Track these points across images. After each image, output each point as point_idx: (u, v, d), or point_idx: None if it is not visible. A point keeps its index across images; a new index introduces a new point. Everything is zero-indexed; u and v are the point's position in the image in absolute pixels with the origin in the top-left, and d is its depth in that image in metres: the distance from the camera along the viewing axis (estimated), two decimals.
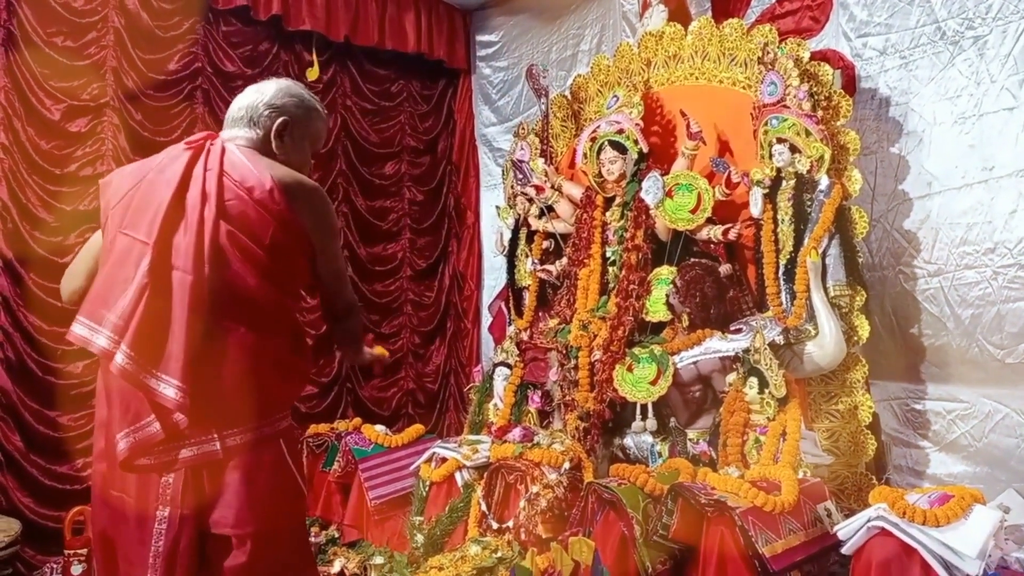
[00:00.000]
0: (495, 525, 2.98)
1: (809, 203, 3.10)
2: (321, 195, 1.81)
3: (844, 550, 2.36)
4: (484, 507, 3.05)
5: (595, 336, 3.42)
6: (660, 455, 3.08)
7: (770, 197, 3.19)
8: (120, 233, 1.69)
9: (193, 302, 1.60)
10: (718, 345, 3.08)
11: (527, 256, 4.12)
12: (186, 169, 1.69)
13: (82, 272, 1.84)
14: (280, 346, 1.76)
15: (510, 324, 4.18)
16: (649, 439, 3.13)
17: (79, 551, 3.32)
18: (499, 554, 2.81)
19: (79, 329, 1.66)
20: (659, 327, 3.40)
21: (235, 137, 1.82)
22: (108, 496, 1.70)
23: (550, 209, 3.99)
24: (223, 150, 1.74)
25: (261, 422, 1.70)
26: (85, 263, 1.85)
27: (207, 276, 1.62)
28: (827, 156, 3.06)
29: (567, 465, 2.94)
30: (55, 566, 3.47)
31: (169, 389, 1.58)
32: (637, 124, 3.63)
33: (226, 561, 1.65)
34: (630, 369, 3.19)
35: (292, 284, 1.80)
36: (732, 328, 3.14)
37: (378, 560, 3.24)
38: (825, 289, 2.99)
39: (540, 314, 4.04)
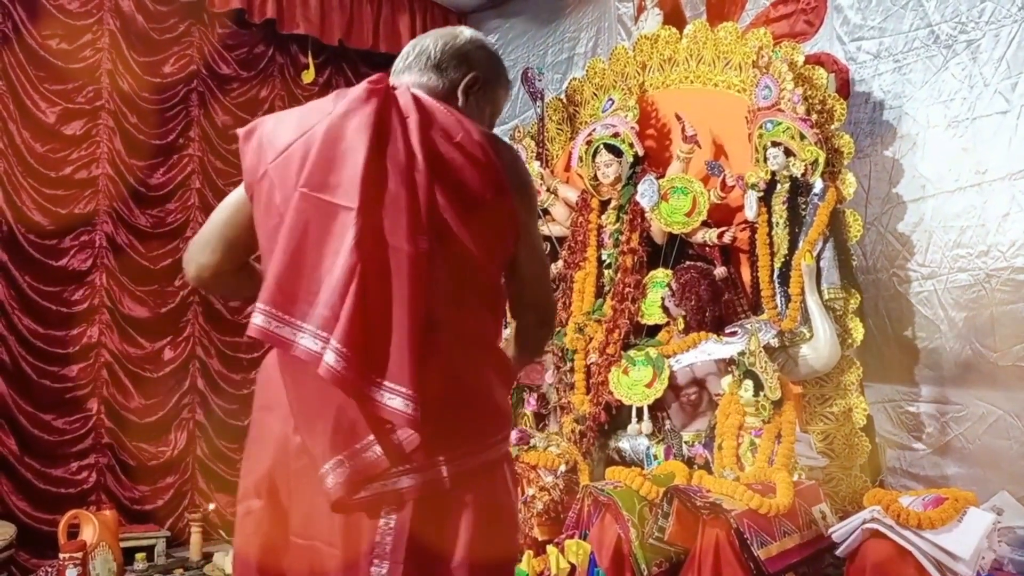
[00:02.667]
0: None
1: (803, 206, 3.11)
2: (524, 162, 1.47)
3: (839, 552, 2.38)
4: None
5: (591, 339, 3.43)
6: (656, 458, 3.08)
7: (765, 200, 3.20)
8: (301, 191, 1.26)
9: (414, 285, 1.22)
10: (713, 348, 3.09)
11: None
12: (377, 116, 1.28)
13: (215, 241, 1.42)
14: (498, 342, 1.43)
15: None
16: (645, 442, 3.13)
17: (74, 555, 3.30)
18: None
19: (264, 322, 1.23)
20: (654, 330, 3.41)
21: (412, 84, 1.41)
22: (286, 544, 1.29)
23: (546, 212, 3.99)
24: (414, 96, 1.33)
25: (488, 441, 1.33)
26: (221, 230, 1.42)
27: (426, 251, 1.23)
28: (821, 159, 3.07)
29: (563, 468, 2.95)
30: (50, 570, 3.45)
31: (396, 399, 1.20)
32: (632, 127, 3.63)
33: None
34: (626, 372, 3.20)
35: (503, 267, 1.39)
36: (727, 331, 3.15)
37: None
38: (819, 292, 3.01)
39: None
